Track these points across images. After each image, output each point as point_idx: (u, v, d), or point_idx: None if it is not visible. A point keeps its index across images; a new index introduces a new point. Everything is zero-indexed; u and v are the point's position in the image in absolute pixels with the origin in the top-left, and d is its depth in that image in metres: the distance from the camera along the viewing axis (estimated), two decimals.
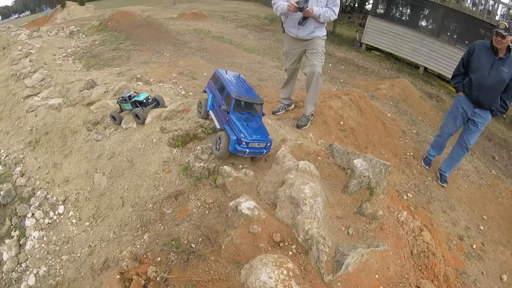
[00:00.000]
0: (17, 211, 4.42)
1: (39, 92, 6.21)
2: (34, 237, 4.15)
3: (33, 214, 4.35)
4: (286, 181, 2.42)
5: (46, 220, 4.27)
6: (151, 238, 2.83)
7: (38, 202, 4.46)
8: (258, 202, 2.45)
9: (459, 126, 4.95)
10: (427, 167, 5.54)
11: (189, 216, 2.71)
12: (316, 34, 4.16)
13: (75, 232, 3.97)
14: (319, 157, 3.09)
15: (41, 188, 4.63)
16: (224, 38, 10.22)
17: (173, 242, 2.54)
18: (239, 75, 3.59)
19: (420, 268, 2.48)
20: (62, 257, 3.82)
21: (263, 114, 3.34)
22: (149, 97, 4.23)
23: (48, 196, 4.49)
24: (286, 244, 2.15)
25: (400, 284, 2.08)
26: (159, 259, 2.59)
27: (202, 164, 3.00)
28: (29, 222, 4.30)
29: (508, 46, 3.83)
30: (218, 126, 3.26)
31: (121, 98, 4.23)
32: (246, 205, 2.31)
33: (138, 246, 2.88)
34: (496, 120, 11.94)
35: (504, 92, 4.20)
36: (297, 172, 2.55)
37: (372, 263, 2.02)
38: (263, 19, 16.04)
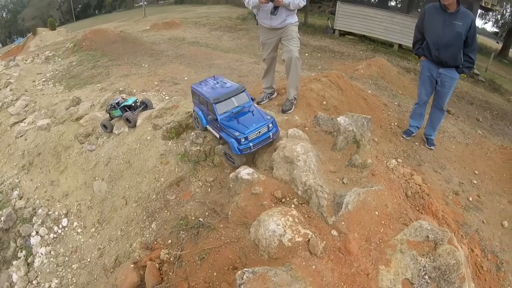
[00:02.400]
0: (21, 232, 4.44)
1: (25, 118, 6.23)
2: (41, 254, 4.18)
3: (37, 232, 4.39)
4: (278, 146, 2.57)
5: (51, 235, 4.32)
6: (159, 226, 2.92)
7: (40, 220, 4.50)
8: (256, 170, 2.59)
9: (431, 91, 5.06)
10: (405, 137, 5.60)
11: (193, 196, 2.83)
12: (288, 21, 4.35)
13: (82, 240, 4.03)
14: (306, 128, 3.24)
15: (41, 206, 4.67)
16: (200, 43, 10.38)
17: (181, 222, 2.65)
18: (214, 76, 3.51)
19: (417, 208, 2.63)
20: (73, 266, 3.88)
21: (253, 100, 3.20)
22: (137, 100, 4.34)
23: (49, 213, 4.53)
24: (288, 199, 2.29)
25: (400, 219, 2.23)
26: (169, 241, 2.69)
27: (198, 148, 3.12)
28: (34, 240, 4.33)
29: (457, 0, 3.99)
30: (217, 136, 3.13)
31: (110, 106, 4.32)
32: (246, 171, 2.45)
33: (147, 236, 2.97)
34: (475, 84, 12.28)
35: (466, 46, 4.33)
36: (287, 138, 2.70)
37: (369, 201, 2.18)
38: (235, 19, 16.23)
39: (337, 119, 2.73)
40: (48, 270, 4.00)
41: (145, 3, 27.87)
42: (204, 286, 2.11)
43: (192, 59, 8.34)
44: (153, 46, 9.72)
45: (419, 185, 2.80)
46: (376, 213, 2.18)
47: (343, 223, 2.06)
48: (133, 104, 4.23)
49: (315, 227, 2.06)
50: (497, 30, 30.69)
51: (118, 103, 4.27)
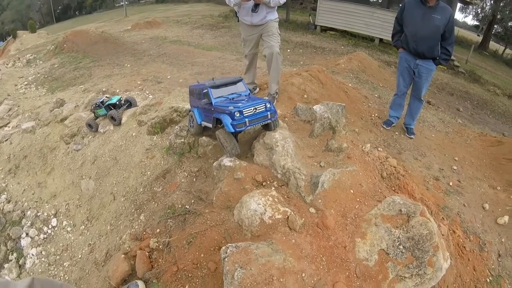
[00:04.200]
0: (11, 235, 4.46)
1: (9, 122, 6.21)
2: (32, 254, 4.22)
3: (27, 234, 4.41)
4: (258, 135, 2.70)
5: (41, 236, 4.35)
6: (147, 217, 3.02)
7: (30, 222, 4.52)
8: (238, 158, 2.71)
9: (409, 81, 5.23)
10: (385, 127, 5.76)
11: (179, 187, 2.93)
12: (268, 18, 4.49)
13: (72, 238, 4.08)
14: (286, 118, 3.38)
15: (30, 208, 4.69)
16: (182, 41, 10.43)
17: (169, 211, 2.75)
18: (212, 78, 3.41)
19: (393, 188, 2.79)
20: (64, 263, 3.93)
21: (250, 91, 3.12)
22: (121, 99, 4.41)
23: (38, 214, 4.56)
24: (268, 182, 2.42)
25: (375, 197, 2.38)
26: (158, 230, 2.79)
27: (182, 140, 3.22)
28: (24, 242, 4.36)
29: None
30: (212, 126, 2.97)
31: (94, 105, 4.38)
32: (228, 159, 2.58)
33: (136, 227, 3.06)
34: (455, 75, 12.60)
35: (443, 39, 4.51)
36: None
37: (344, 180, 2.32)
38: (217, 17, 16.28)
39: (314, 107, 2.87)
40: (40, 270, 4.04)
41: (126, 2, 27.64)
42: (192, 267, 2.22)
43: (175, 57, 8.40)
44: (135, 46, 9.74)
45: (394, 167, 2.96)
46: (351, 191, 2.32)
47: (320, 201, 2.20)
48: (117, 103, 4.30)
49: (294, 206, 2.20)
50: (477, 23, 31.38)
51: (102, 102, 4.33)
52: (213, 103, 2.83)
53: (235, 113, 2.56)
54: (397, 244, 2.06)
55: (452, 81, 11.58)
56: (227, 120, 2.61)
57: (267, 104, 2.74)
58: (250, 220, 2.06)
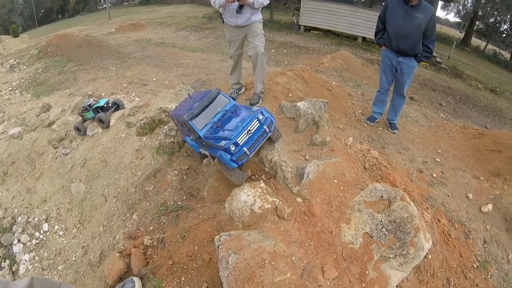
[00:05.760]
0: (2, 242, 4.44)
1: None
2: (25, 260, 4.22)
3: (19, 240, 4.41)
4: None
5: (34, 241, 4.36)
6: (140, 215, 3.09)
7: (21, 228, 4.52)
8: None
9: (391, 78, 5.41)
10: (369, 123, 5.92)
11: (170, 184, 3.01)
12: (253, 19, 4.60)
13: (65, 242, 4.10)
14: None
15: (20, 214, 4.68)
16: (166, 43, 10.46)
17: (161, 208, 2.83)
18: (188, 94, 3.15)
19: (376, 178, 2.93)
20: (58, 267, 3.95)
21: (233, 99, 2.86)
22: (109, 101, 4.45)
23: (29, 220, 4.56)
24: (257, 176, 2.54)
25: (358, 186, 2.51)
26: (151, 228, 2.87)
27: (172, 140, 3.30)
28: (16, 248, 4.36)
29: None
30: (210, 157, 2.74)
31: (82, 108, 4.41)
32: None
33: (129, 226, 3.12)
34: (437, 71, 12.90)
35: (425, 38, 4.68)
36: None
37: (328, 171, 2.45)
38: (201, 18, 16.29)
39: (297, 104, 3.00)
40: (33, 276, 4.03)
41: (109, 5, 27.34)
42: (187, 260, 2.32)
43: (160, 59, 8.44)
44: (119, 48, 9.73)
45: (376, 158, 3.10)
46: (335, 181, 2.45)
47: (306, 190, 2.32)
48: (105, 105, 4.34)
49: (281, 196, 2.32)
50: (459, 20, 32.14)
51: (90, 105, 4.36)
52: (202, 137, 2.49)
53: (230, 147, 2.25)
54: (380, 227, 2.19)
55: (435, 77, 11.84)
56: (225, 157, 2.29)
57: (259, 116, 2.38)
58: (240, 211, 2.17)
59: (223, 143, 2.28)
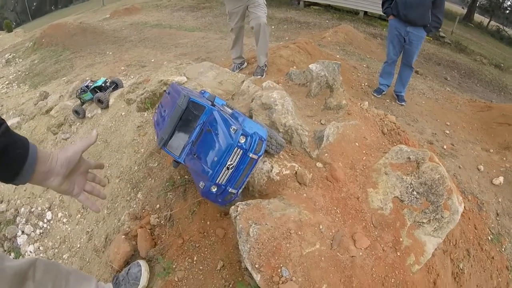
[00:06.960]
0: (6, 235, 4.30)
1: None
2: (30, 252, 4.07)
3: (23, 231, 4.26)
4: (255, 98, 2.57)
5: (38, 231, 4.21)
6: (145, 194, 2.89)
7: (24, 219, 4.37)
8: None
9: (399, 49, 5.21)
10: (376, 95, 5.76)
11: None
12: None
13: (69, 229, 3.94)
14: (280, 84, 3.26)
15: (23, 205, 4.52)
16: (163, 25, 10.21)
17: (167, 184, 2.63)
18: (165, 91, 2.58)
19: (395, 144, 2.72)
20: (63, 256, 3.79)
21: (212, 104, 1.87)
22: (107, 80, 4.23)
23: (32, 210, 4.40)
24: None
25: (380, 149, 2.30)
26: (158, 206, 2.68)
27: None
28: (21, 240, 4.21)
29: None
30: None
31: (80, 90, 4.20)
32: None
33: (134, 206, 2.94)
34: (441, 45, 12.63)
35: (434, 7, 4.44)
36: (262, 90, 2.71)
37: (349, 133, 2.23)
38: None
39: (309, 66, 2.77)
40: (39, 257, 3.91)
41: None
42: (199, 237, 2.12)
43: (157, 41, 8.23)
44: (115, 33, 9.49)
45: (394, 123, 2.89)
46: (357, 144, 2.24)
47: (326, 154, 2.10)
48: (103, 85, 4.12)
49: (300, 162, 2.11)
50: None
51: (87, 86, 4.15)
52: (184, 164, 1.91)
53: (211, 189, 1.70)
54: (411, 190, 1.99)
55: (439, 51, 11.61)
56: (210, 197, 1.78)
57: (240, 140, 1.64)
58: (256, 179, 1.96)
59: (201, 184, 1.72)
